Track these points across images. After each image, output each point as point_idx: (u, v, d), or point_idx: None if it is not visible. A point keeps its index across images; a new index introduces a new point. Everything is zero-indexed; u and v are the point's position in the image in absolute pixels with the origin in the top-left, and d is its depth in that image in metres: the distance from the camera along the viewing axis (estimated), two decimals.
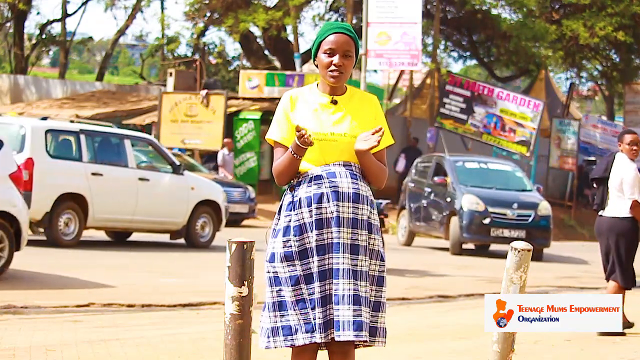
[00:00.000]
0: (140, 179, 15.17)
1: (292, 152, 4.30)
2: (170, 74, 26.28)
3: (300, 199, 4.33)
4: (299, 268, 4.29)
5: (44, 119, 15.39)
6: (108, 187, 14.71)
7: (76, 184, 14.36)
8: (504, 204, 17.38)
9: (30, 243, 12.36)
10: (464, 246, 17.95)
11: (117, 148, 15.11)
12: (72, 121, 15.87)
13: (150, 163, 16.11)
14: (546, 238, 17.67)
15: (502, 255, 16.08)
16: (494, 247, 18.60)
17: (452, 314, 10.20)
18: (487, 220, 17.09)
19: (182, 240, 15.91)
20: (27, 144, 13.81)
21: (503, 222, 17.16)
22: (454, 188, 17.74)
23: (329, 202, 4.30)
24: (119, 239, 16.16)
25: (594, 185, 9.25)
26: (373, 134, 4.31)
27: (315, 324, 4.23)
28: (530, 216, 17.33)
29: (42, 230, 14.19)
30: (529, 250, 4.85)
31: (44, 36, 36.40)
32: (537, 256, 16.71)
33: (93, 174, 14.56)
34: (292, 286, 4.28)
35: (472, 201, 17.23)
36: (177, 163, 15.83)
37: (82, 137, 14.54)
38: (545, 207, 17.60)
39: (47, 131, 14.19)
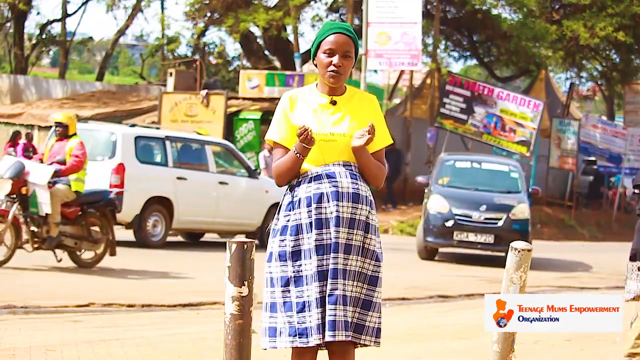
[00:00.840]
0: (220, 182, 16.02)
1: (296, 152, 4.30)
2: (170, 74, 26.27)
3: (300, 199, 4.33)
4: (290, 269, 4.29)
5: (132, 126, 16.30)
6: (192, 190, 15.49)
7: (163, 187, 15.20)
8: (472, 206, 15.87)
9: (121, 244, 13.47)
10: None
11: (199, 153, 15.94)
12: (157, 128, 17.00)
13: (228, 167, 16.82)
14: None
15: (477, 261, 15.96)
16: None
17: (452, 314, 10.20)
18: (449, 223, 15.65)
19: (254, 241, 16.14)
20: (118, 150, 14.65)
21: (468, 226, 15.65)
22: (430, 189, 16.54)
23: (328, 202, 4.30)
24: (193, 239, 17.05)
25: (636, 191, 9.25)
26: (368, 132, 4.32)
27: (311, 326, 4.23)
28: (500, 219, 15.70)
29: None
30: (529, 251, 4.85)
31: (44, 36, 36.40)
32: None
33: (178, 178, 15.39)
34: (281, 287, 4.29)
35: (438, 202, 15.96)
36: (253, 167, 16.77)
37: (168, 143, 15.43)
38: (521, 211, 15.91)
39: (136, 138, 15.01)
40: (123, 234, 15.30)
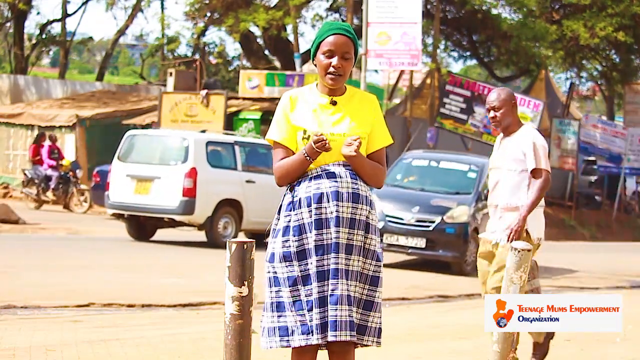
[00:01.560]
0: None
1: (305, 155, 4.30)
2: (170, 74, 26.27)
3: (300, 199, 4.33)
4: (296, 269, 4.29)
5: (203, 131, 17.16)
6: (259, 193, 16.07)
7: (233, 190, 15.92)
8: (405, 208, 14.26)
9: (193, 244, 15.27)
10: None
11: (265, 157, 16.52)
12: (227, 133, 17.99)
13: None
14: (453, 249, 14.07)
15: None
16: None
17: (452, 314, 10.20)
18: (380, 225, 13.48)
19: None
20: (190, 155, 15.38)
21: (399, 228, 14.08)
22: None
23: (328, 202, 4.30)
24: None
25: None
26: (353, 141, 4.31)
27: (312, 325, 4.23)
28: (433, 222, 13.98)
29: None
30: (528, 250, 4.85)
31: (44, 36, 36.40)
32: (457, 269, 14.24)
33: (247, 181, 16.12)
34: (289, 287, 4.28)
35: None
36: None
37: (237, 147, 16.20)
38: (459, 214, 14.13)
39: (207, 143, 15.75)
40: (196, 235, 16.47)
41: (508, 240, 6.22)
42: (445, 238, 13.95)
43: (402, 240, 14.07)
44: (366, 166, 4.39)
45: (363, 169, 4.38)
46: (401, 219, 14.10)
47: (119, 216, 16.14)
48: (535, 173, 6.29)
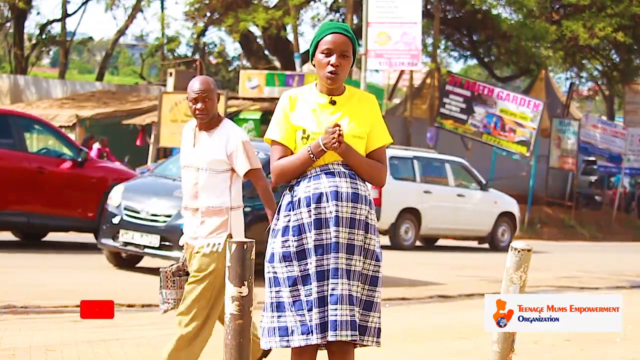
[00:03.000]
0: (458, 195, 18.81)
1: (310, 153, 4.29)
2: (170, 73, 26.27)
3: (299, 199, 4.33)
4: (296, 269, 4.29)
5: (387, 147, 17.82)
6: (435, 202, 18.22)
7: (413, 200, 17.98)
8: (145, 199, 11.68)
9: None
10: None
11: (439, 170, 18.60)
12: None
13: (463, 181, 19.23)
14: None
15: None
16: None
17: (452, 314, 10.20)
18: (116, 220, 11.66)
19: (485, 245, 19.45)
20: None
21: (134, 223, 11.53)
22: None
23: (328, 201, 4.30)
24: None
25: None
26: (332, 130, 4.27)
27: (312, 325, 4.23)
28: (169, 217, 11.29)
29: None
30: (529, 250, 4.84)
31: (44, 36, 36.41)
32: None
33: (425, 191, 18.18)
34: (289, 287, 4.29)
35: (116, 193, 12.05)
36: (484, 182, 19.56)
37: (415, 161, 18.18)
38: None
39: (390, 158, 17.30)
40: (382, 240, 17.36)
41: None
42: (179, 236, 11.28)
43: (138, 238, 11.39)
44: (363, 163, 4.38)
45: (360, 166, 4.37)
46: (137, 212, 11.56)
47: None
48: (251, 175, 5.53)
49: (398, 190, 17.56)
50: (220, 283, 5.45)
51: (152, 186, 11.95)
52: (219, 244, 5.49)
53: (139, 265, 12.22)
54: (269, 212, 5.39)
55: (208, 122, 5.55)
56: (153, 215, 11.40)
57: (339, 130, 4.26)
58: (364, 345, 4.35)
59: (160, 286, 5.79)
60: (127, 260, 12.14)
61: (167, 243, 11.07)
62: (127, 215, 11.56)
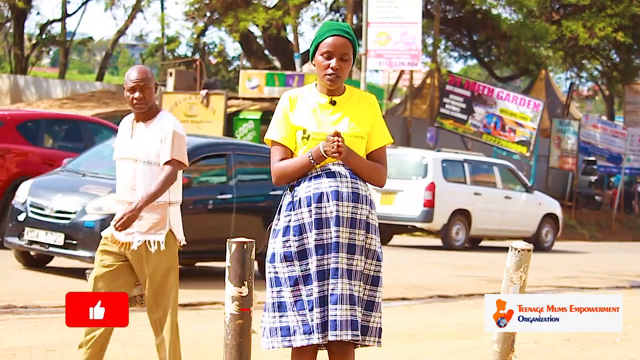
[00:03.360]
0: (506, 197, 19.41)
1: (310, 158, 4.30)
2: (170, 74, 26.27)
3: (300, 199, 4.34)
4: (297, 268, 4.29)
5: (438, 151, 19.65)
6: (484, 204, 18.85)
7: (464, 201, 18.51)
8: (52, 194, 10.96)
9: (431, 248, 18.30)
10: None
11: (488, 172, 19.31)
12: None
13: (509, 184, 19.88)
14: (94, 248, 9.82)
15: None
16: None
17: (452, 314, 10.20)
18: (22, 217, 11.00)
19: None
20: (429, 172, 18.04)
21: (40, 221, 10.83)
22: None
23: (328, 201, 4.30)
24: None
25: None
26: (332, 140, 4.29)
27: (312, 325, 4.23)
28: (74, 213, 10.59)
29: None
30: (529, 250, 4.85)
31: (44, 36, 36.40)
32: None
33: (475, 193, 18.73)
34: (291, 287, 4.29)
35: (24, 189, 11.30)
36: (529, 184, 20.33)
37: (465, 164, 18.81)
38: (109, 204, 10.31)
39: (442, 161, 18.31)
40: (433, 241, 19.52)
41: (116, 229, 5.29)
42: (83, 234, 10.47)
43: (42, 236, 10.71)
44: (364, 165, 4.39)
45: (361, 168, 4.38)
46: (42, 209, 10.85)
47: None
48: (168, 164, 5.35)
49: (450, 192, 18.28)
50: (169, 279, 5.42)
51: (61, 182, 11.25)
52: (161, 242, 5.34)
53: (50, 265, 11.69)
54: (147, 193, 5.25)
55: (146, 112, 5.40)
56: (58, 212, 10.72)
57: (339, 140, 4.26)
58: (366, 345, 4.35)
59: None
60: (37, 260, 11.58)
61: (72, 241, 10.46)
62: (32, 212, 10.89)
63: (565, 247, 21.67)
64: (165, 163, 5.35)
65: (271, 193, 11.58)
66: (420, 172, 18.15)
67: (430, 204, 17.90)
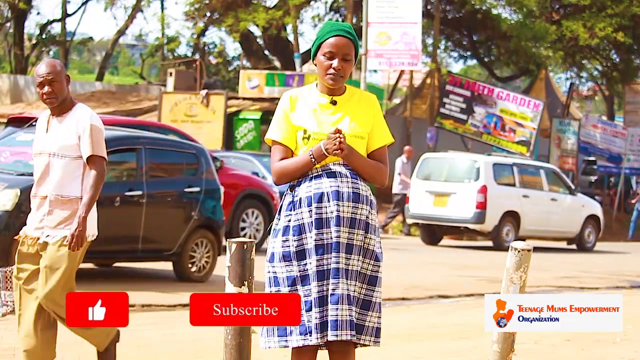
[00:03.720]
0: (552, 199, 20.20)
1: (311, 156, 4.30)
2: (170, 74, 26.28)
3: (300, 198, 4.34)
4: (295, 268, 4.29)
5: (489, 154, 20.76)
6: (532, 205, 19.59)
7: (513, 203, 19.29)
8: None
9: (480, 248, 19.31)
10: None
11: (535, 175, 20.09)
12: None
13: (554, 186, 20.58)
14: None
15: None
16: None
17: (452, 314, 10.20)
18: None
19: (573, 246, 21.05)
20: (481, 175, 18.88)
21: None
22: None
23: (329, 201, 4.30)
24: None
25: None
26: (334, 137, 4.29)
27: (311, 325, 4.23)
28: None
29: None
30: (529, 250, 4.85)
31: (44, 36, 36.42)
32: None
33: (523, 196, 19.47)
34: (288, 286, 4.28)
35: None
36: (573, 186, 21.13)
37: (515, 168, 19.55)
38: (2, 199, 9.89)
39: (493, 164, 19.15)
40: (483, 242, 20.47)
41: (70, 249, 5.24)
42: None
43: None
44: (365, 164, 4.39)
45: (362, 167, 4.38)
46: None
47: (415, 225, 20.22)
48: (90, 161, 5.32)
49: (501, 194, 19.09)
50: (68, 277, 5.30)
51: None
52: (68, 237, 5.27)
53: None
54: (85, 199, 5.25)
55: (59, 106, 5.37)
56: None
57: (341, 137, 4.26)
58: (363, 345, 4.34)
59: (0, 287, 5.50)
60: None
61: None
62: None
63: (565, 247, 21.68)
64: (88, 159, 5.33)
65: (186, 190, 11.10)
66: (473, 175, 18.98)
67: (482, 206, 18.74)
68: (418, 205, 19.37)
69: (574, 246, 21.13)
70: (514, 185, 19.40)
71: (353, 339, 4.25)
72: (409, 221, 20.25)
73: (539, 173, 20.22)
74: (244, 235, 15.09)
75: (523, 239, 20.16)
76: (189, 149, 11.53)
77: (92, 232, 5.38)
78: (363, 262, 4.34)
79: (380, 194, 24.05)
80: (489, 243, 19.66)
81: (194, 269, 11.18)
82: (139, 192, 10.63)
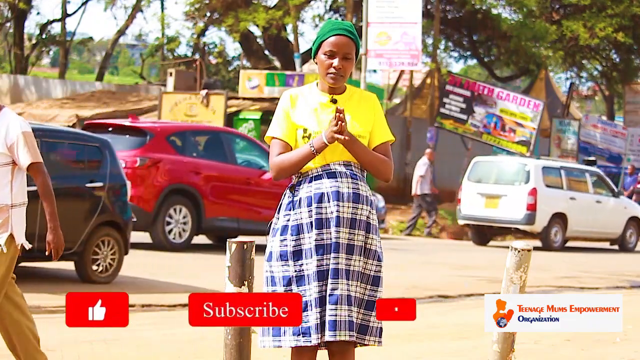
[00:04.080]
0: (597, 201, 21.07)
1: (311, 146, 4.28)
2: (170, 74, 26.27)
3: (300, 198, 4.33)
4: (291, 268, 4.28)
5: (538, 158, 21.66)
6: (579, 208, 20.49)
7: (561, 205, 20.16)
8: None
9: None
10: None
11: (579, 178, 20.94)
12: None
13: (598, 189, 21.50)
14: None
15: None
16: None
17: (452, 314, 10.20)
18: None
19: (614, 246, 22.01)
20: (531, 178, 19.78)
21: None
22: None
23: (329, 202, 4.29)
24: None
25: None
26: (335, 115, 4.25)
27: (310, 326, 4.22)
28: None
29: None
30: (529, 250, 4.85)
31: (44, 36, 36.42)
32: None
33: (570, 198, 20.33)
34: (284, 286, 4.27)
35: None
36: (616, 189, 22.07)
37: (562, 171, 20.51)
38: None
39: (543, 168, 20.06)
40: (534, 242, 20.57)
41: (55, 260, 5.21)
42: None
43: None
44: (368, 154, 4.35)
45: (365, 158, 4.34)
46: None
47: (467, 226, 21.09)
48: (32, 169, 5.25)
49: (550, 196, 19.94)
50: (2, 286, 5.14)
51: None
52: (1, 244, 5.14)
53: None
54: (47, 209, 5.19)
55: None
56: None
57: (342, 117, 4.23)
58: (365, 345, 4.34)
59: None
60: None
61: None
62: None
63: (565, 247, 21.70)
64: (29, 168, 5.24)
65: (88, 185, 10.56)
66: (523, 178, 19.88)
67: (532, 208, 19.63)
68: (469, 207, 20.24)
69: (616, 247, 21.90)
70: (561, 187, 20.27)
71: (352, 339, 4.24)
72: (460, 222, 21.06)
73: (584, 176, 21.15)
74: None
75: (569, 240, 21.28)
76: (91, 141, 10.84)
77: (19, 241, 5.25)
78: (366, 262, 4.33)
79: (399, 194, 23.99)
80: (537, 243, 20.11)
81: (98, 269, 10.55)
82: (32, 188, 10.18)
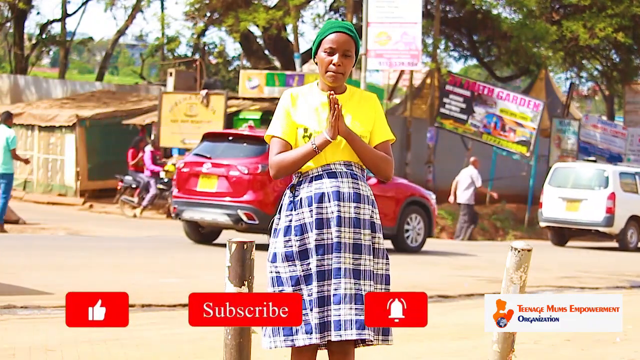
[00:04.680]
0: None
1: (313, 144, 4.29)
2: (170, 73, 26.27)
3: (301, 198, 4.33)
4: (299, 268, 4.29)
5: (615, 164, 23.49)
6: None
7: (636, 208, 21.71)
8: None
9: (603, 249, 21.72)
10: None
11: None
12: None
13: None
14: None
15: None
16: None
17: (452, 314, 10.20)
18: None
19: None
20: (610, 183, 21.27)
21: None
22: None
23: (329, 202, 4.30)
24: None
25: None
26: (330, 102, 4.26)
27: (312, 325, 4.23)
28: None
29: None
30: (529, 250, 4.85)
31: (44, 36, 36.41)
32: None
33: None
34: (292, 286, 4.28)
35: None
36: None
37: (637, 177, 21.92)
38: None
39: (620, 173, 21.57)
40: (610, 243, 22.69)
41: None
42: None
43: None
44: (368, 150, 4.35)
45: (365, 152, 4.34)
46: None
47: (547, 227, 22.24)
48: None
49: (626, 200, 21.46)
50: None
51: None
52: None
53: None
54: None
55: None
56: None
57: (335, 98, 4.24)
58: (369, 345, 4.35)
59: None
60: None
61: None
62: None
63: (565, 247, 21.69)
64: None
65: None
66: (602, 183, 21.36)
67: (611, 211, 21.14)
68: (551, 210, 21.62)
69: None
70: (636, 192, 21.74)
71: (359, 338, 4.24)
72: (542, 224, 22.26)
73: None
74: (407, 238, 16.88)
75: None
76: None
77: None
78: (376, 262, 4.35)
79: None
80: (613, 244, 22.05)
81: None
82: None
